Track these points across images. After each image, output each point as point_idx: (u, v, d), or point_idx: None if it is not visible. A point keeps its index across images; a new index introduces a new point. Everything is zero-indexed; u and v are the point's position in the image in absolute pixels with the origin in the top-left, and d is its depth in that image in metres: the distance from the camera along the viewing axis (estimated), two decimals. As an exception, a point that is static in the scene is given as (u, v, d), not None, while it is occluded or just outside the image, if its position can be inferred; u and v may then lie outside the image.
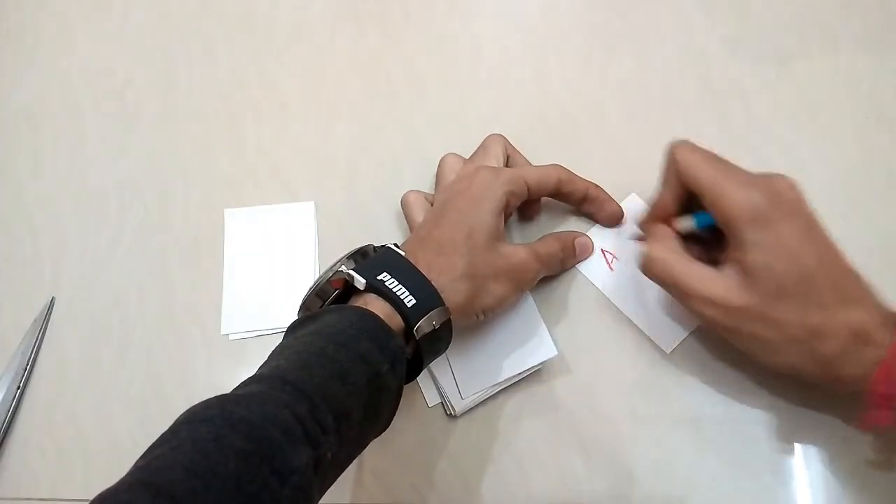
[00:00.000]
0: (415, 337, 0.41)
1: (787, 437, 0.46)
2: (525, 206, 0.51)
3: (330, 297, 0.43)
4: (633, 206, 0.53)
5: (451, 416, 0.49)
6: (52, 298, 0.55)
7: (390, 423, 0.42)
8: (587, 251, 0.52)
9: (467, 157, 0.52)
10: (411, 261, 0.43)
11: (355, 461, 0.48)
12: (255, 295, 0.54)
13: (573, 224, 0.53)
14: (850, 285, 0.41)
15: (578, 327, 0.50)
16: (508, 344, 0.49)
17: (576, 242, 0.51)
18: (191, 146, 0.59)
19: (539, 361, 0.48)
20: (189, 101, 0.61)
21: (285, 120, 0.59)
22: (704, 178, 0.43)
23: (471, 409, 0.49)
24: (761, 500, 0.45)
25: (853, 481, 0.45)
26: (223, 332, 0.53)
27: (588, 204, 0.52)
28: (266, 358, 0.40)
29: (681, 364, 0.49)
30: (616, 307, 0.51)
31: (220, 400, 0.35)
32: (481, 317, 0.46)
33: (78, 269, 0.56)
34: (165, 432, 0.34)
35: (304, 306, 0.44)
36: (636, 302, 0.50)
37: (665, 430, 0.47)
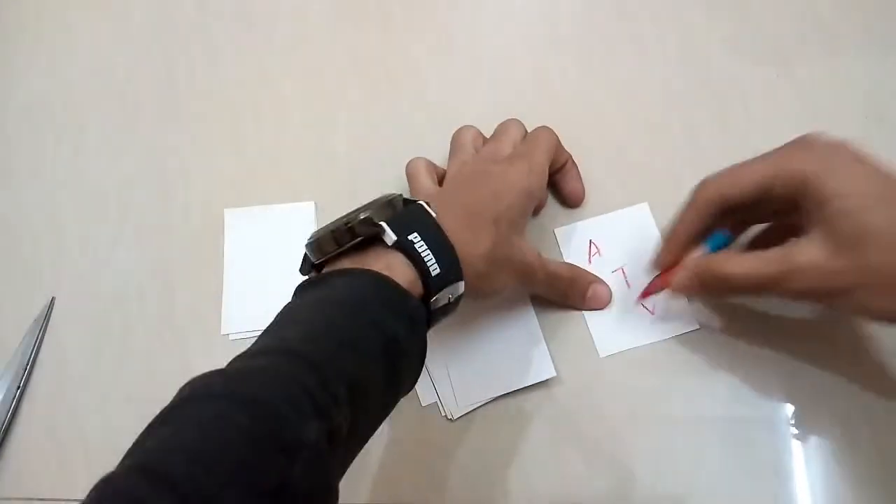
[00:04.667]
0: (429, 307, 0.39)
1: (787, 437, 0.46)
2: None
3: (347, 242, 0.40)
4: (640, 215, 0.52)
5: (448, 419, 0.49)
6: (52, 298, 0.55)
7: (414, 385, 0.40)
8: (600, 302, 0.50)
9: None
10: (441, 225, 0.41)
11: (356, 459, 0.49)
12: (255, 295, 0.54)
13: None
14: None
15: (578, 326, 0.50)
16: (508, 359, 0.49)
17: (591, 286, 0.50)
18: (191, 146, 0.59)
19: (537, 381, 0.48)
20: (189, 100, 0.61)
21: (285, 120, 0.59)
22: (750, 180, 0.41)
23: (470, 410, 0.49)
24: (761, 499, 0.45)
25: (853, 481, 0.45)
26: (223, 332, 0.53)
27: (561, 174, 0.52)
28: (271, 322, 0.38)
29: (680, 364, 0.49)
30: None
31: (224, 377, 0.34)
32: (479, 299, 0.44)
33: (78, 268, 0.56)
34: (168, 409, 0.33)
35: (317, 245, 0.41)
36: None
37: (665, 430, 0.47)
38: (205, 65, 0.62)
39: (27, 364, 0.53)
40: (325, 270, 0.41)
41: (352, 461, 0.37)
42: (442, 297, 0.40)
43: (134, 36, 0.64)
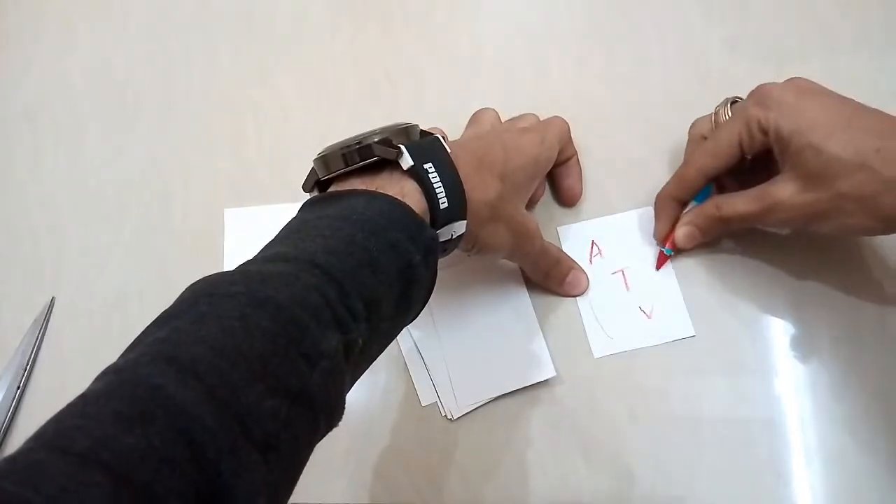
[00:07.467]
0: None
1: (787, 437, 0.47)
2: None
3: (356, 162, 0.39)
4: (644, 219, 0.52)
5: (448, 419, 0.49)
6: (53, 298, 0.55)
7: (419, 313, 0.40)
8: (577, 288, 0.51)
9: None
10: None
11: (353, 461, 0.49)
12: (256, 295, 0.54)
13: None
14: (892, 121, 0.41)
15: (577, 324, 0.51)
16: (508, 358, 0.50)
17: (572, 272, 0.51)
18: (191, 146, 0.59)
19: (537, 380, 0.49)
20: (189, 100, 0.61)
21: (285, 119, 0.59)
22: (725, 152, 0.45)
23: (470, 410, 0.49)
24: (761, 500, 0.46)
25: (853, 482, 0.45)
26: (223, 332, 0.53)
27: (564, 168, 0.52)
28: (281, 229, 0.38)
29: (679, 365, 0.49)
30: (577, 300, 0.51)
31: (244, 276, 0.33)
32: (471, 252, 0.44)
33: (78, 268, 0.56)
34: (182, 301, 0.32)
35: (324, 161, 0.40)
36: (588, 301, 0.51)
37: (665, 430, 0.48)
38: (205, 65, 0.62)
39: (27, 364, 0.53)
40: (336, 189, 0.40)
41: (358, 378, 0.37)
42: (444, 233, 0.40)
43: (134, 36, 0.64)
